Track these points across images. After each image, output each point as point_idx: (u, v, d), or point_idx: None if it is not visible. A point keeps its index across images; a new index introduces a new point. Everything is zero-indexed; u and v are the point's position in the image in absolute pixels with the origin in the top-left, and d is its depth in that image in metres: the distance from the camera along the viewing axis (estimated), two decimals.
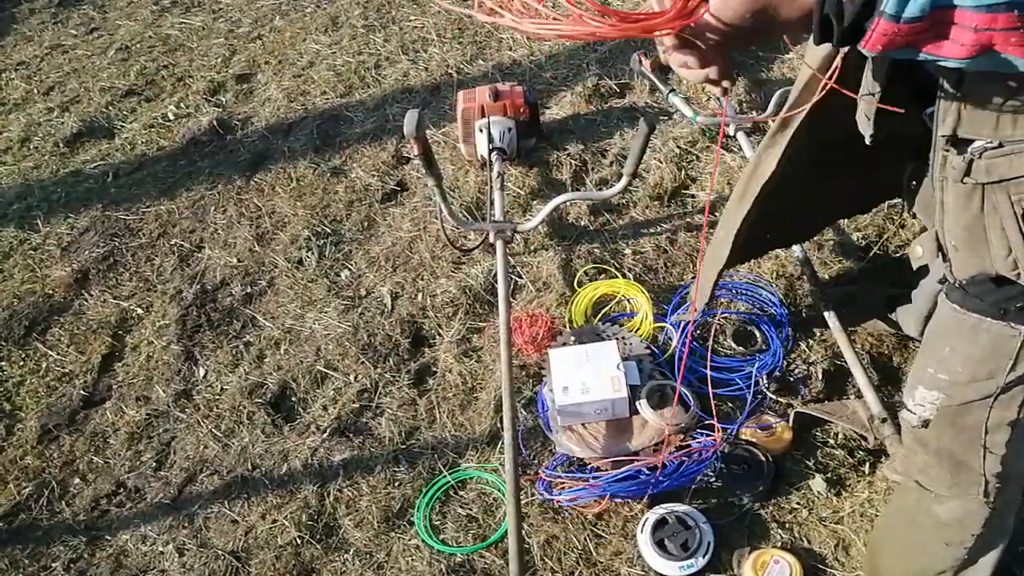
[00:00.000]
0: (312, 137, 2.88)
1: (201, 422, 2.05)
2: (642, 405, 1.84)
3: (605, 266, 2.28)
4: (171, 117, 3.07)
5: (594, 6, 0.80)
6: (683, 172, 2.55)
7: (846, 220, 2.32)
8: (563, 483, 1.77)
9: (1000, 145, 0.92)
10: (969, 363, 1.09)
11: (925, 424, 1.18)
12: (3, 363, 2.27)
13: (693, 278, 2.22)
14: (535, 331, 2.07)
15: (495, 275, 2.19)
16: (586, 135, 2.75)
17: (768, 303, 2.13)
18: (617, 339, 1.99)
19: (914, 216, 1.58)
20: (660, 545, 1.65)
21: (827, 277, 2.18)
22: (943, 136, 0.98)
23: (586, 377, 1.84)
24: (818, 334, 2.06)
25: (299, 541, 1.79)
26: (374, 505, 1.84)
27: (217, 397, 2.11)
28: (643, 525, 1.70)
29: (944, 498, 1.25)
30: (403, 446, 1.95)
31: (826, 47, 1.21)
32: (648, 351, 2.01)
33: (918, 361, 1.21)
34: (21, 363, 2.26)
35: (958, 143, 0.96)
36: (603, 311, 2.18)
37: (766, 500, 1.76)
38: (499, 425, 1.94)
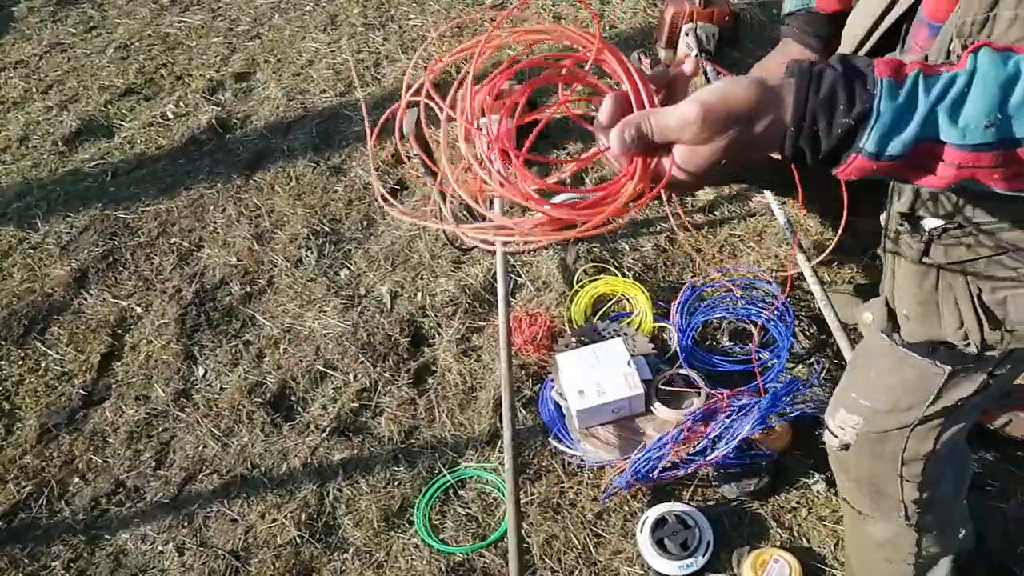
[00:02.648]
0: (311, 136, 2.88)
1: (200, 421, 2.05)
2: (658, 408, 1.84)
3: (605, 265, 2.28)
4: (170, 116, 3.07)
5: (538, 203, 0.71)
6: None
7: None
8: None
9: (959, 227, 0.90)
10: (891, 392, 1.08)
11: (845, 448, 1.18)
12: (2, 362, 2.26)
13: (692, 277, 2.23)
14: (535, 331, 2.07)
15: (494, 274, 2.18)
16: (586, 135, 2.75)
17: (770, 302, 2.12)
18: (621, 336, 1.99)
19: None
20: (660, 544, 1.65)
21: (827, 277, 2.18)
22: (899, 212, 0.95)
23: (599, 378, 1.83)
24: (818, 334, 2.06)
25: (299, 540, 1.79)
26: (374, 504, 1.84)
27: (216, 396, 2.10)
28: (643, 524, 1.70)
29: (872, 520, 1.26)
30: (402, 445, 1.95)
31: None
32: (653, 347, 2.01)
33: (842, 383, 1.20)
34: (20, 362, 2.26)
35: (913, 220, 0.94)
36: (602, 310, 2.18)
37: (766, 499, 1.77)
38: (499, 424, 1.94)
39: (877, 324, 1.14)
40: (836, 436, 1.19)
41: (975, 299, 0.94)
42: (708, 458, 1.67)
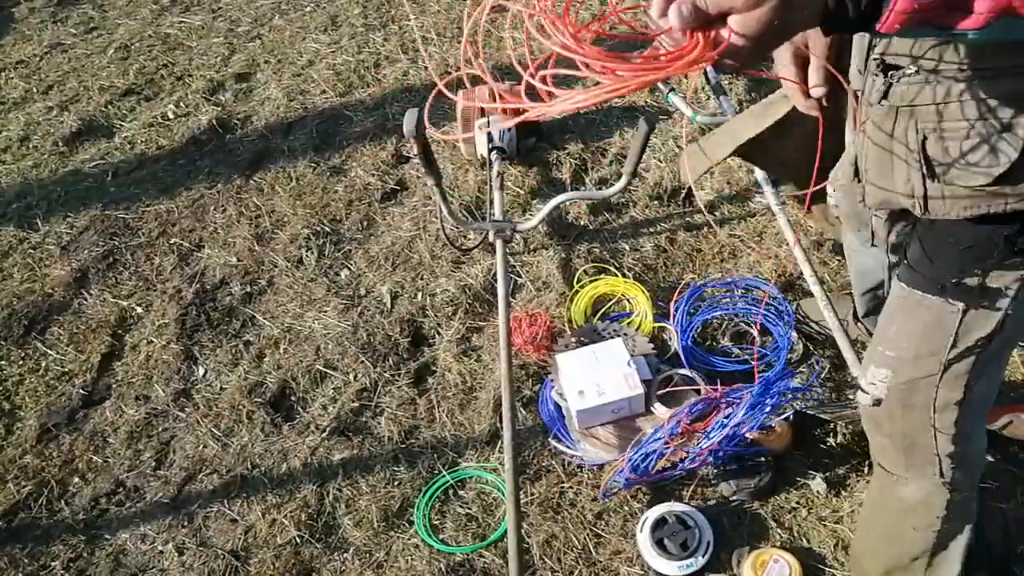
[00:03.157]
0: (312, 136, 2.88)
1: (200, 421, 2.05)
2: (658, 408, 1.84)
3: (605, 265, 2.28)
4: (170, 116, 3.07)
5: (609, 59, 0.76)
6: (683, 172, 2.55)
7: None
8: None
9: (917, 72, 0.96)
10: (913, 339, 1.14)
11: (877, 403, 1.22)
12: (3, 362, 2.26)
13: (692, 277, 2.23)
14: (534, 331, 2.07)
15: (495, 274, 2.18)
16: (586, 134, 2.75)
17: (770, 302, 2.12)
18: (621, 336, 1.99)
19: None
20: (660, 544, 1.65)
21: (827, 277, 2.19)
22: (874, 59, 1.02)
23: (599, 378, 1.84)
24: (818, 334, 2.06)
25: (299, 540, 1.79)
26: (373, 504, 1.84)
27: (216, 396, 2.10)
28: (642, 524, 1.69)
29: (905, 480, 1.28)
30: (402, 445, 1.95)
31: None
32: (653, 347, 2.01)
33: (871, 341, 1.25)
34: (20, 362, 2.26)
35: (887, 69, 1.01)
36: (602, 310, 2.18)
37: (766, 500, 1.77)
38: (498, 424, 1.93)
39: (844, 180, 1.23)
40: (867, 392, 1.22)
41: (920, 146, 0.99)
42: (704, 446, 1.67)
